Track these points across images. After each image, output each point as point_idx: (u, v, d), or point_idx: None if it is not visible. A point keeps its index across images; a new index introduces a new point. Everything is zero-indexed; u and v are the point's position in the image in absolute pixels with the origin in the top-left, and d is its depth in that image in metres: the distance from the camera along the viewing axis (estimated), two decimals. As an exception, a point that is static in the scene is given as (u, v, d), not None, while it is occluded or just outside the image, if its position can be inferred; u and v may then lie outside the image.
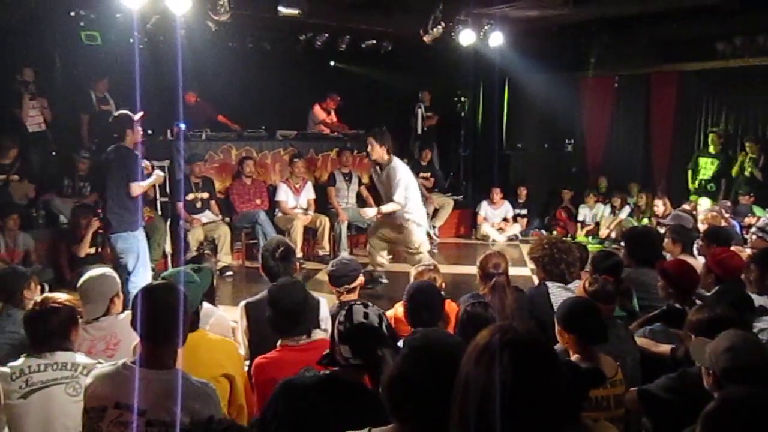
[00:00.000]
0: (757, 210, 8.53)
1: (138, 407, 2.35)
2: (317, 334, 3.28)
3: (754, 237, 5.77)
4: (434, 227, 10.41)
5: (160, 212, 8.21)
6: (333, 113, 10.69)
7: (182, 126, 8.54)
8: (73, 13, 7.95)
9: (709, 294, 4.08)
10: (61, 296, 3.10)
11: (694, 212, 7.68)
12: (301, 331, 3.24)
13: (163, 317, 2.48)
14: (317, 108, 10.54)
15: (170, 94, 7.90)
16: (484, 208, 10.82)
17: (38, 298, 3.13)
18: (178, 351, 2.52)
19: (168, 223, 8.13)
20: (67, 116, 8.87)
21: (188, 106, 9.49)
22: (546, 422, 1.45)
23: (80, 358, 3.00)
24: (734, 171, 9.74)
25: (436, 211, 10.40)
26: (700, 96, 10.66)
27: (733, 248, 4.98)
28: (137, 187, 5.69)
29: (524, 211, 11.06)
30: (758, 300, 3.88)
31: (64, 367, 2.92)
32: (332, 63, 11.22)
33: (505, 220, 10.82)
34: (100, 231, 7.25)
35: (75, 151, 8.33)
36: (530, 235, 10.30)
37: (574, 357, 3.09)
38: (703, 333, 2.89)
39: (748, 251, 5.39)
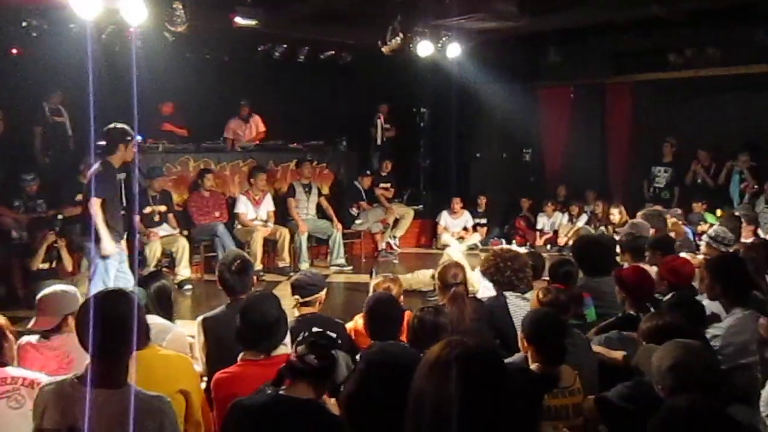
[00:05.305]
0: (709, 217, 8.72)
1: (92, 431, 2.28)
2: (279, 349, 3.20)
3: (704, 245, 5.89)
4: (395, 237, 10.45)
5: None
6: (254, 123, 10.21)
7: (138, 138, 8.39)
8: (25, 24, 7.78)
9: (664, 300, 4.15)
10: None
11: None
12: (267, 347, 3.14)
13: (115, 330, 2.32)
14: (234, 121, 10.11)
15: (126, 106, 7.77)
16: (445, 218, 10.87)
17: None
18: (131, 366, 2.39)
19: (125, 236, 7.97)
20: (18, 129, 8.66)
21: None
22: (499, 433, 1.46)
23: (15, 370, 2.94)
24: (687, 179, 9.99)
25: (396, 221, 10.42)
26: (653, 106, 10.88)
27: (685, 255, 5.09)
28: (95, 205, 5.51)
29: (484, 221, 11.14)
30: (710, 306, 3.96)
31: (3, 382, 2.87)
32: (291, 74, 11.13)
33: (465, 229, 10.88)
34: (55, 245, 7.12)
35: (24, 169, 8.09)
36: (490, 245, 10.38)
37: (534, 366, 3.11)
38: (653, 341, 2.93)
39: (701, 257, 5.52)
